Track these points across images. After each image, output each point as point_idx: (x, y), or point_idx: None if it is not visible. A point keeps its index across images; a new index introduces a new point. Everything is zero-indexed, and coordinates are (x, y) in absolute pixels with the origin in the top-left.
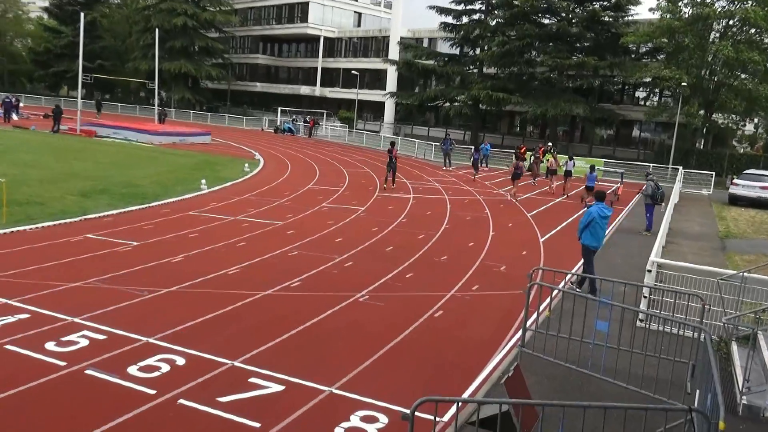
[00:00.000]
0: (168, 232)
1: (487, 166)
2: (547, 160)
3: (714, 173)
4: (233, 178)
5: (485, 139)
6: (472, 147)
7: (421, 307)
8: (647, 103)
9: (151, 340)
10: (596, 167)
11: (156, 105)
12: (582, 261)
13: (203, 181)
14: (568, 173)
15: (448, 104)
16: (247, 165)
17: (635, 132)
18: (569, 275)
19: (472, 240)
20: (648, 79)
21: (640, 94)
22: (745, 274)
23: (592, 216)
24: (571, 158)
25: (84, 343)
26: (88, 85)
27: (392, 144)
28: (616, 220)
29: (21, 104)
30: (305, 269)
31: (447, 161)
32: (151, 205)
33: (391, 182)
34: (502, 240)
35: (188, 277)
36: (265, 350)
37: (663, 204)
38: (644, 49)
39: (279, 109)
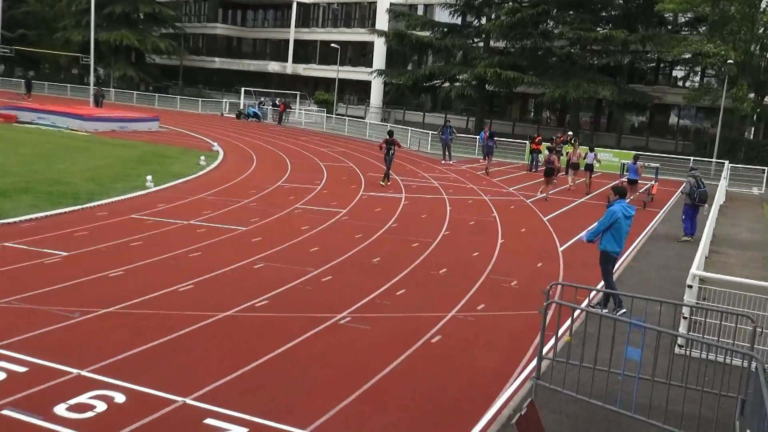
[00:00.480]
0: (105, 240)
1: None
2: (566, 152)
3: (766, 169)
4: (186, 174)
5: (491, 126)
6: (482, 132)
7: (415, 331)
8: (687, 85)
9: (83, 373)
10: (638, 159)
11: (91, 84)
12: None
13: (149, 178)
14: (589, 167)
15: (447, 84)
16: (203, 158)
17: (672, 119)
18: (594, 291)
19: (477, 249)
20: (688, 56)
21: (679, 73)
22: None
23: (616, 216)
24: (591, 150)
25: (0, 376)
26: (7, 60)
27: (390, 134)
28: (651, 224)
29: None
30: (273, 285)
31: (446, 153)
32: (84, 206)
33: (381, 178)
34: (513, 249)
35: (130, 295)
36: (224, 384)
37: (705, 205)
38: (683, 20)
39: (242, 89)
